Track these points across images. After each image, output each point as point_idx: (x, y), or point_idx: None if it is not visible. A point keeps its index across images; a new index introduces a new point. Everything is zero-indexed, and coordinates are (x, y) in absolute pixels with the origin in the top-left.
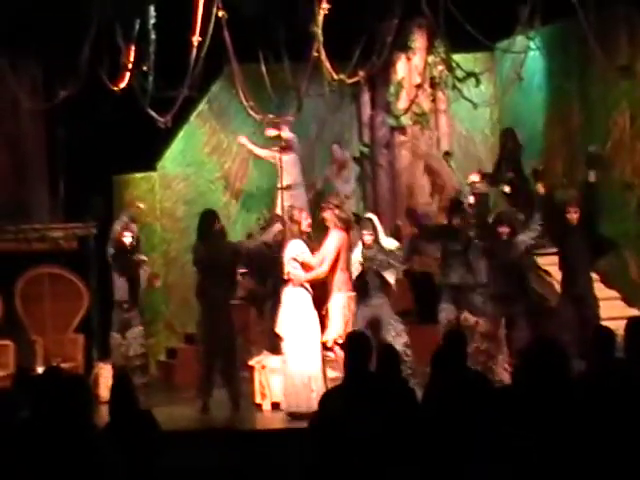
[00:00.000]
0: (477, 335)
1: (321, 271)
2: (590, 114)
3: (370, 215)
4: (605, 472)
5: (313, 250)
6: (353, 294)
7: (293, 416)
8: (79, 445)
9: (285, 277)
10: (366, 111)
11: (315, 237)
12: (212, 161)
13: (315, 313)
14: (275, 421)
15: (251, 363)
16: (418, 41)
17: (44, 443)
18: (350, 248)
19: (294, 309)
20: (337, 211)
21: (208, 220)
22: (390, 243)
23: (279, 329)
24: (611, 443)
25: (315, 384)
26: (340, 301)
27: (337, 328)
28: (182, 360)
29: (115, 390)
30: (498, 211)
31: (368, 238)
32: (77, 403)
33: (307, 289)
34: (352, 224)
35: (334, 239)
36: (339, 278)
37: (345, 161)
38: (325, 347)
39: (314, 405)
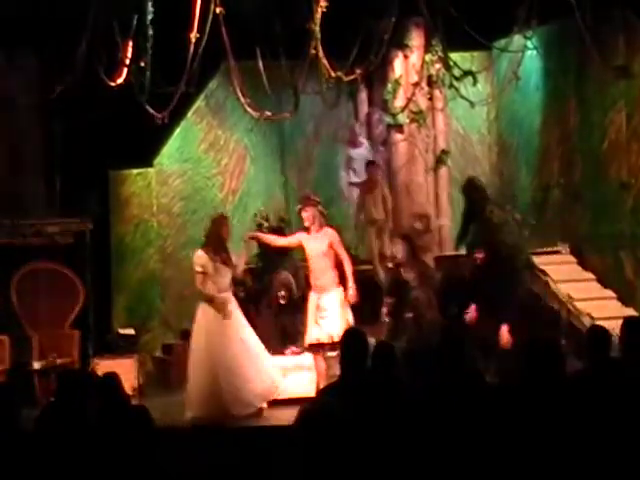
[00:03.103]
0: None
1: (349, 265)
2: (587, 114)
3: None
4: (601, 471)
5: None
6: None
7: (195, 420)
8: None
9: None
10: (363, 109)
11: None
12: (209, 158)
13: (242, 321)
14: (271, 418)
15: None
16: (415, 39)
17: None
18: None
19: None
20: (320, 207)
21: None
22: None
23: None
24: (606, 442)
25: (225, 393)
26: (338, 296)
27: (341, 324)
28: (178, 356)
29: (105, 387)
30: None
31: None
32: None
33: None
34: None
35: (336, 236)
36: (335, 273)
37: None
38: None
39: (221, 414)
